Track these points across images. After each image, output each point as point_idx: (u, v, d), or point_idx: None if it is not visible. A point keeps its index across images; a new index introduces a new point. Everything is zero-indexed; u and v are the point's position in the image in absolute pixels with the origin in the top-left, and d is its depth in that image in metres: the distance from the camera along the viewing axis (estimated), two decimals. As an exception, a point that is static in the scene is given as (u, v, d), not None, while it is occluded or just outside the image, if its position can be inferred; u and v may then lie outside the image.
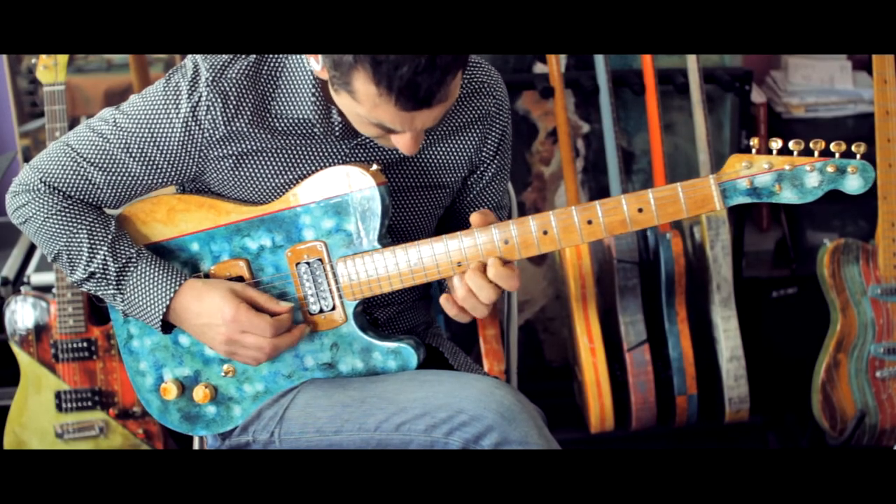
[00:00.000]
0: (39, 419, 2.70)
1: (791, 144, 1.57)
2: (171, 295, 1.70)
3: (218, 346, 1.71)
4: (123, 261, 1.71)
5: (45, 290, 2.73)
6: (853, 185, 1.57)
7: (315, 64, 1.60)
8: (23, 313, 2.67)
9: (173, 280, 1.71)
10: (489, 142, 1.81)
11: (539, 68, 3.06)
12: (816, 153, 1.57)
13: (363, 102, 1.55)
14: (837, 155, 1.56)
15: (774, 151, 1.58)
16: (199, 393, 1.79)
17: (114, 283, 1.71)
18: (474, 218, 1.66)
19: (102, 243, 1.71)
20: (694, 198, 1.60)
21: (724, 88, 3.02)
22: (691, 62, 2.84)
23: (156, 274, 1.71)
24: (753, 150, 1.59)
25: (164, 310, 1.70)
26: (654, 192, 1.61)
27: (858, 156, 1.56)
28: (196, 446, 1.95)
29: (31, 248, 2.98)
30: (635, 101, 3.05)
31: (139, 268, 1.71)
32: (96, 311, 2.69)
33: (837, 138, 1.58)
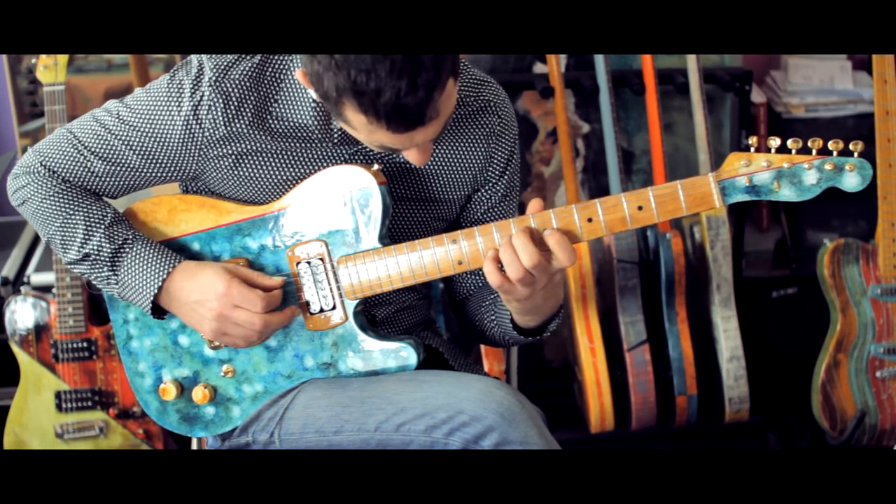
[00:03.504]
0: (39, 419, 2.70)
1: (789, 143, 1.57)
2: (164, 276, 1.70)
3: (208, 325, 1.70)
4: (119, 242, 1.71)
5: (45, 290, 2.73)
6: (851, 182, 1.57)
7: (312, 92, 1.59)
8: (23, 313, 2.67)
9: (167, 261, 1.71)
10: (495, 161, 1.81)
11: (539, 68, 3.06)
12: (814, 151, 1.57)
13: (359, 130, 1.55)
14: (835, 153, 1.56)
15: (773, 150, 1.58)
16: (198, 393, 1.78)
17: (108, 264, 1.71)
18: (532, 205, 1.65)
19: (98, 226, 1.71)
20: (693, 195, 1.60)
21: (724, 88, 3.02)
22: (691, 62, 2.84)
23: (150, 255, 1.71)
24: (752, 149, 1.60)
25: (157, 290, 1.70)
26: (654, 189, 1.61)
27: (856, 153, 1.57)
28: (195, 447, 1.95)
29: (32, 249, 2.98)
30: (635, 101, 3.05)
31: (134, 249, 1.71)
32: (96, 311, 2.69)
33: (837, 138, 1.58)
